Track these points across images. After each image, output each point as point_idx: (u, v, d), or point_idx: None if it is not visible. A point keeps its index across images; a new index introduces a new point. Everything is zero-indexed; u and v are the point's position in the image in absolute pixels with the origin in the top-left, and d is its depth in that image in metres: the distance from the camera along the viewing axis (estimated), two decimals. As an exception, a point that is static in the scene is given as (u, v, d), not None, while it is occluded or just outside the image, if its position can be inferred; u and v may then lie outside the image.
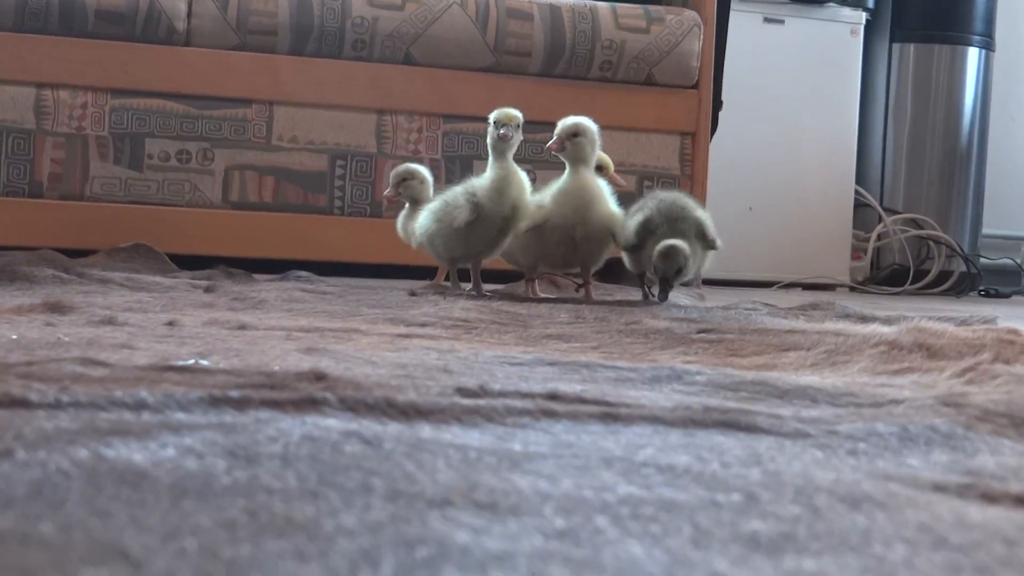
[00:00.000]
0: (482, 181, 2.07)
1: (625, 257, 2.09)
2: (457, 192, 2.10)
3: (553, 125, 3.05)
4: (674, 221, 1.99)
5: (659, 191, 2.13)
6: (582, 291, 2.15)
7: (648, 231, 1.99)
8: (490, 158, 2.07)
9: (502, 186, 2.03)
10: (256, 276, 2.27)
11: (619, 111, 2.98)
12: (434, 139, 2.92)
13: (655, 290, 2.03)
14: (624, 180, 2.31)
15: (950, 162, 3.98)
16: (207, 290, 1.81)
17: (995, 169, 4.25)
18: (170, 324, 1.27)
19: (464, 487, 0.54)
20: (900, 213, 3.92)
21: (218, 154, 2.80)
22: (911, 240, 3.89)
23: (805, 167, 3.78)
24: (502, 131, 2.03)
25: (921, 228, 3.91)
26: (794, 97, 3.80)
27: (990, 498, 0.57)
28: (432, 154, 2.92)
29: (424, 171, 2.32)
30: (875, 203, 3.92)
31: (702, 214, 2.04)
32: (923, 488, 0.59)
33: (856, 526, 0.50)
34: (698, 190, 3.00)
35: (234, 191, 2.82)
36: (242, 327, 1.29)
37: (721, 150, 3.38)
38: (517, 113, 2.09)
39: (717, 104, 3.20)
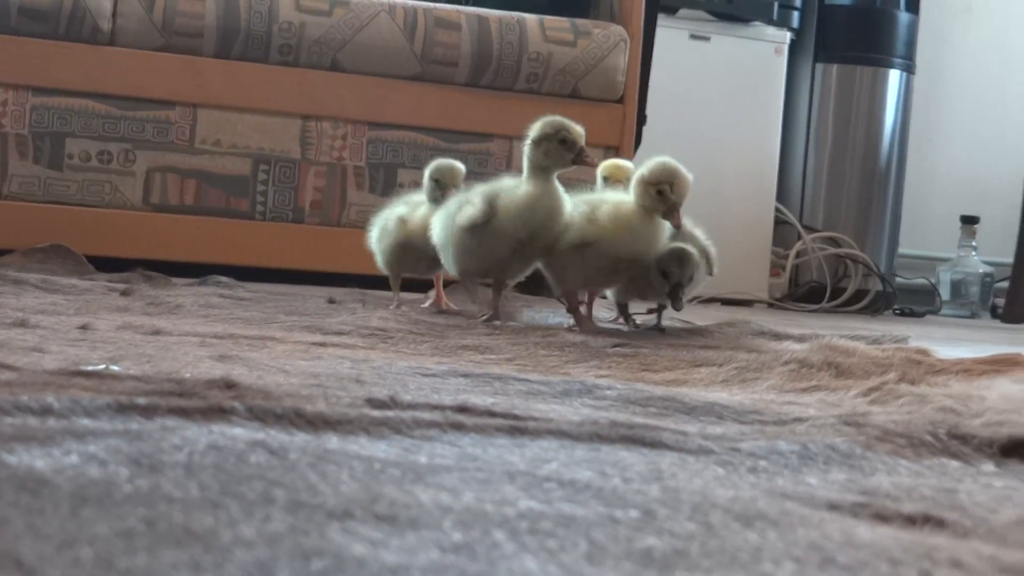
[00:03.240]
0: (513, 193, 1.75)
1: (615, 289, 1.84)
2: (476, 190, 1.80)
3: (479, 136, 3.08)
4: (681, 238, 1.75)
5: None
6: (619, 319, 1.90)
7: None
8: (525, 171, 1.75)
9: (532, 205, 1.73)
10: (175, 280, 2.25)
11: (544, 123, 2.99)
12: (359, 146, 2.92)
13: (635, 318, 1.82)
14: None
15: (869, 182, 4.04)
16: (123, 293, 1.79)
17: (913, 190, 4.32)
18: (83, 328, 1.26)
19: (366, 499, 0.55)
20: (819, 231, 3.98)
21: (140, 155, 2.78)
22: (829, 258, 3.95)
23: (727, 183, 3.81)
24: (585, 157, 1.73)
25: (839, 246, 3.96)
26: (718, 114, 3.83)
27: (882, 517, 0.59)
28: (356, 161, 2.92)
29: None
30: (795, 221, 3.97)
31: (701, 233, 1.84)
32: (818, 506, 0.60)
33: (748, 544, 0.51)
34: (621, 204, 3.02)
35: (155, 193, 2.80)
36: (156, 332, 1.28)
37: (644, 164, 3.40)
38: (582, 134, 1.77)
39: (641, 119, 3.23)
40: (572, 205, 1.75)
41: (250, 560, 0.44)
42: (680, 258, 1.70)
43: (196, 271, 2.66)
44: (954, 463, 0.76)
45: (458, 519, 0.52)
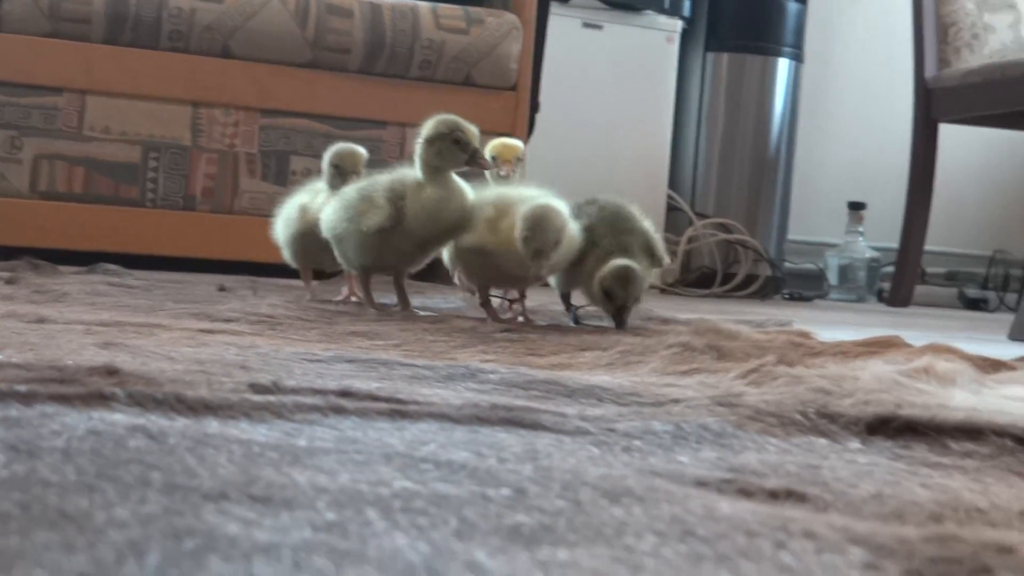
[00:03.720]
0: (416, 193, 1.69)
1: (556, 276, 1.79)
2: (379, 185, 1.73)
3: (372, 123, 3.08)
4: (620, 233, 1.70)
5: (599, 197, 1.80)
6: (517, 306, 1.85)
7: (591, 242, 1.69)
8: (419, 170, 1.70)
9: (440, 208, 1.69)
10: (63, 269, 2.23)
11: (437, 110, 2.99)
12: (251, 133, 2.91)
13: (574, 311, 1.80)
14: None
15: (759, 169, 4.10)
16: (8, 282, 1.77)
17: (801, 177, 4.40)
18: (-35, 316, 1.25)
19: (242, 481, 0.56)
20: (710, 218, 4.03)
21: (27, 143, 2.74)
22: (720, 244, 4.00)
23: (620, 170, 3.85)
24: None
25: (730, 232, 4.02)
26: (610, 102, 3.87)
27: (746, 492, 0.61)
28: (248, 148, 2.90)
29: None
30: (686, 207, 4.02)
31: (648, 226, 1.75)
32: (685, 483, 0.62)
33: (614, 519, 0.52)
34: (514, 191, 3.04)
35: (43, 181, 2.76)
36: (41, 320, 1.27)
37: (537, 152, 3.43)
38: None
39: (534, 106, 3.25)
40: (478, 206, 1.69)
41: (123, 540, 0.44)
42: (624, 278, 1.63)
43: (86, 259, 2.64)
44: (822, 441, 0.78)
45: (332, 499, 0.54)
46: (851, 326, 2.58)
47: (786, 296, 4.11)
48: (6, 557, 0.42)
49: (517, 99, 3.12)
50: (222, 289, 1.98)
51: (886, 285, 4.33)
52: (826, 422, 0.82)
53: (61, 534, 0.45)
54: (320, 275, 2.16)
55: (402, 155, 2.98)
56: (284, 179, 2.89)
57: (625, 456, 0.70)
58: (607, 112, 3.86)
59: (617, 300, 1.65)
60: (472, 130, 1.69)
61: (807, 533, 0.49)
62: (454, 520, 0.51)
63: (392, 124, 3.01)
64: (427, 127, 1.70)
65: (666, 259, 1.74)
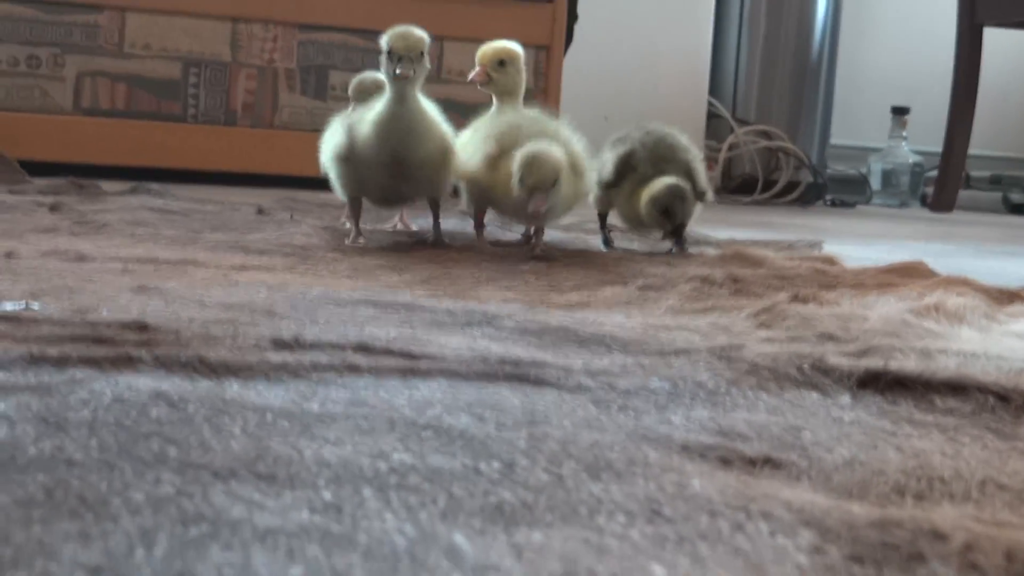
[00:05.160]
0: (366, 119, 1.66)
1: (594, 195, 1.79)
2: (352, 116, 1.72)
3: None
4: (659, 161, 1.72)
5: (648, 123, 1.82)
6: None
7: (629, 167, 1.74)
8: (388, 89, 1.63)
9: (382, 130, 1.63)
10: (106, 187, 2.28)
11: (474, 24, 3.02)
12: (289, 48, 2.93)
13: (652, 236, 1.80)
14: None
15: (801, 75, 4.09)
16: (52, 209, 1.82)
17: (844, 81, 4.37)
18: (8, 255, 1.30)
19: (252, 456, 0.60)
20: (751, 124, 4.03)
21: (69, 60, 2.79)
22: (761, 151, 4.01)
23: (660, 78, 3.85)
24: (399, 69, 1.58)
25: (771, 139, 4.02)
26: (650, 8, 3.86)
27: (725, 461, 0.65)
28: (288, 64, 2.93)
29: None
30: (727, 114, 4.02)
31: (693, 157, 1.77)
32: (671, 450, 0.66)
33: (591, 496, 0.56)
34: (552, 103, 3.06)
35: (86, 97, 2.81)
36: (80, 258, 1.32)
37: (576, 62, 3.44)
38: (422, 36, 1.63)
39: (572, 17, 3.26)
40: (486, 136, 1.66)
41: (135, 528, 0.49)
42: (681, 196, 1.66)
43: (130, 175, 2.69)
44: (813, 395, 0.82)
45: (333, 475, 0.58)
46: (888, 240, 2.59)
47: (828, 202, 4.12)
48: (27, 550, 0.46)
49: (554, 10, 3.13)
50: (260, 212, 2.02)
51: (930, 190, 4.32)
52: (820, 376, 0.85)
53: (80, 523, 0.49)
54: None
55: (440, 69, 3.00)
56: (323, 94, 2.93)
57: (620, 416, 0.74)
58: (646, 20, 3.85)
59: (676, 218, 1.68)
60: (397, 33, 1.61)
61: (765, 514, 0.53)
62: (443, 498, 0.55)
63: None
64: None
65: (709, 193, 1.76)
